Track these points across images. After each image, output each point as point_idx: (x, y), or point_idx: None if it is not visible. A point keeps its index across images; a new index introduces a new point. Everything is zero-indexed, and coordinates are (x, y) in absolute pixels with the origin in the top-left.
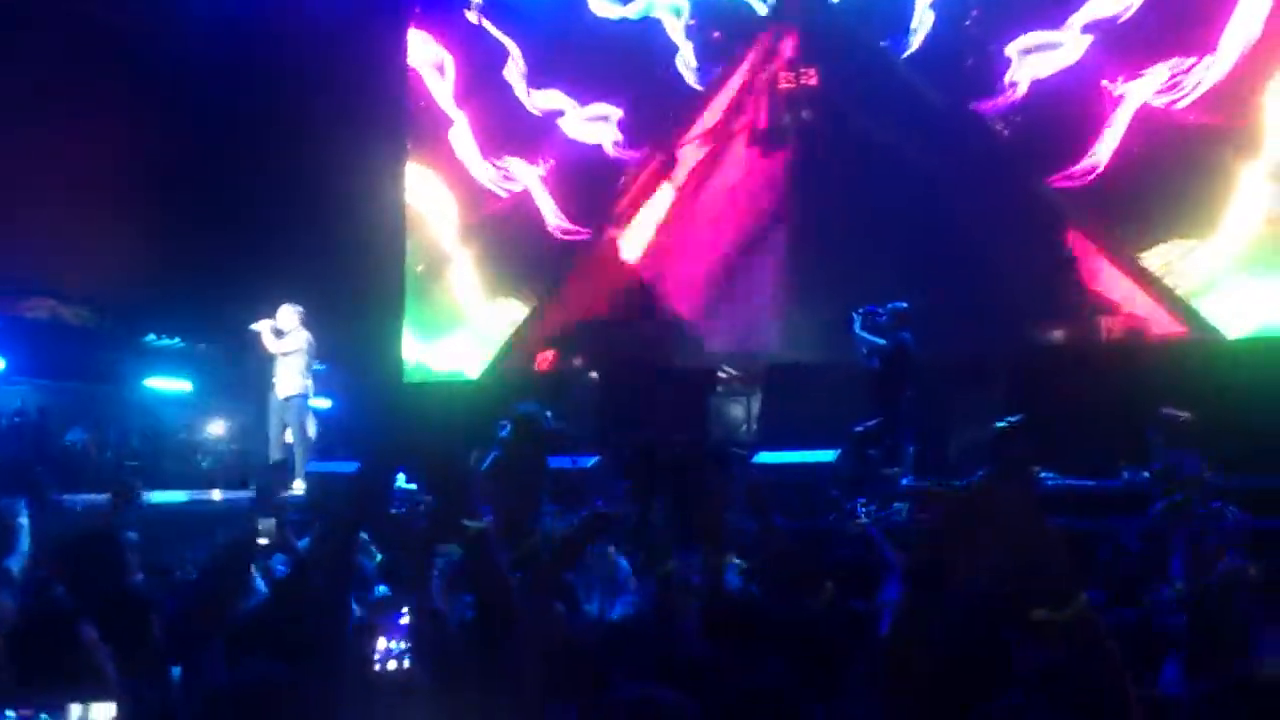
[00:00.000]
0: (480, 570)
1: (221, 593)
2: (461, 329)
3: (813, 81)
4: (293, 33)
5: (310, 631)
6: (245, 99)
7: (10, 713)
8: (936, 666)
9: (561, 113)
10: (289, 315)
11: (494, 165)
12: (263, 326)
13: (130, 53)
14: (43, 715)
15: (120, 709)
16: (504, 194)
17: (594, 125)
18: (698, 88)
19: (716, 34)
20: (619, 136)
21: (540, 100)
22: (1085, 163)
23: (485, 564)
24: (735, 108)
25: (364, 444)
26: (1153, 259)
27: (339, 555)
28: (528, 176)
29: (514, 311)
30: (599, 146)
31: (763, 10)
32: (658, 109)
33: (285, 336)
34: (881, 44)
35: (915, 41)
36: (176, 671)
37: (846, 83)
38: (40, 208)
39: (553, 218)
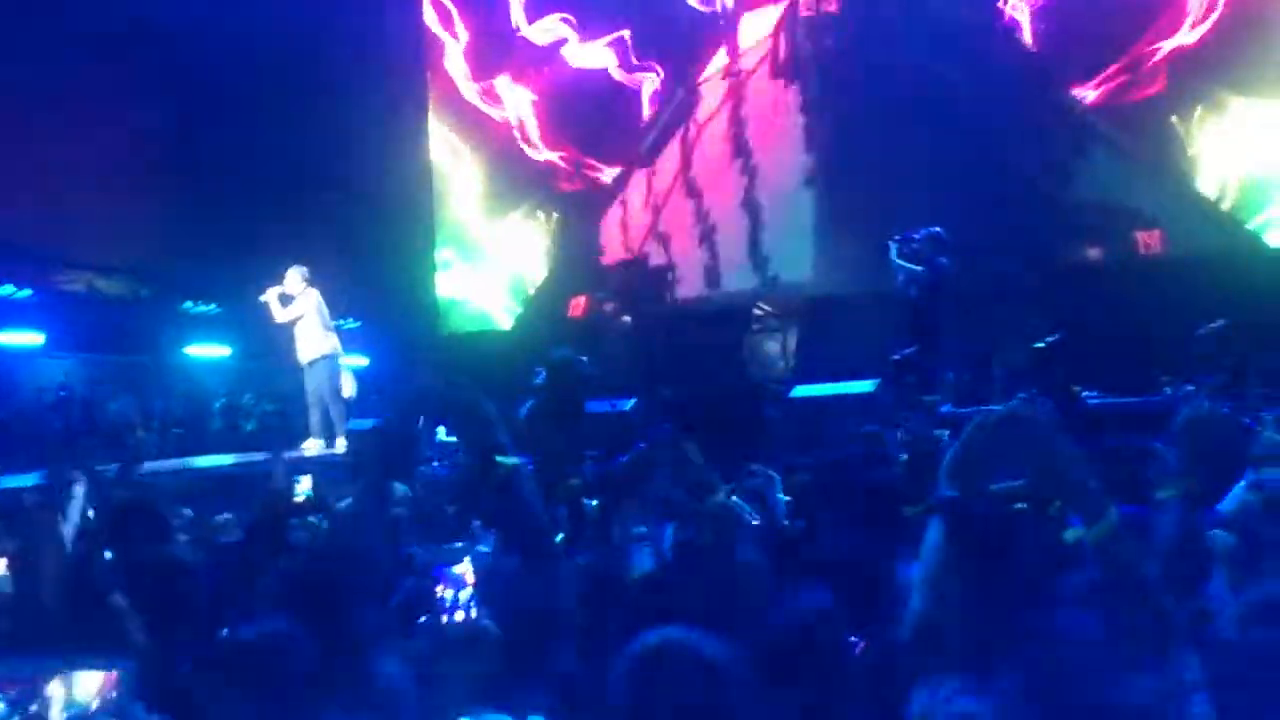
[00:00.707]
0: (512, 509)
1: (260, 554)
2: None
3: (833, 8)
4: None
5: (344, 586)
6: (266, 62)
7: None
8: (974, 591)
9: (564, 41)
10: (295, 278)
11: (485, 92)
12: (270, 297)
13: (155, 25)
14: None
15: (124, 675)
16: (500, 119)
17: (598, 50)
18: (701, 8)
19: None
20: (619, 59)
21: (539, 30)
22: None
23: (517, 502)
24: (756, 38)
25: (391, 397)
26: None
27: (370, 509)
28: (519, 101)
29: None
30: (604, 71)
31: None
32: (660, 31)
33: (293, 301)
34: None
35: None
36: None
37: (867, 6)
38: (72, 180)
39: (540, 143)
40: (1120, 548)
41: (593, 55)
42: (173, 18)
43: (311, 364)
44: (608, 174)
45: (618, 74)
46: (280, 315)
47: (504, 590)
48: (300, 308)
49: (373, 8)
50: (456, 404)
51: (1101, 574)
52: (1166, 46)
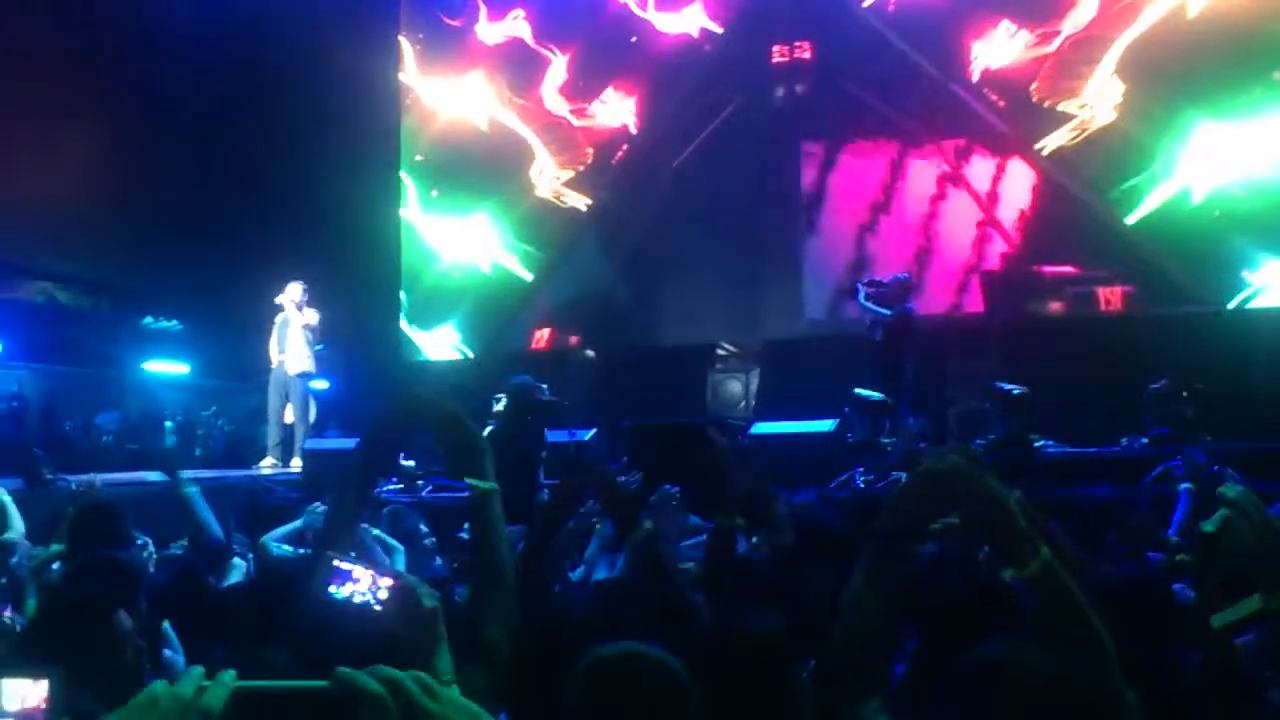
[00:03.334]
0: (480, 531)
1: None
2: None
3: (807, 55)
4: (282, 14)
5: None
6: (238, 79)
7: None
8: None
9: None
10: (298, 291)
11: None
12: (285, 300)
13: (125, 36)
14: None
15: (53, 685)
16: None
17: (505, 24)
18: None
19: None
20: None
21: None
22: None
23: (486, 526)
24: (727, 82)
25: (364, 415)
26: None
27: (341, 532)
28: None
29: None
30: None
31: None
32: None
33: (303, 310)
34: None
35: None
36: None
37: (841, 55)
38: (36, 190)
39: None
40: (1057, 581)
41: (501, 28)
42: (148, 31)
43: (296, 377)
44: (581, 204)
45: (532, 41)
46: (296, 318)
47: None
48: (313, 318)
49: (350, 26)
50: (447, 417)
51: (1039, 606)
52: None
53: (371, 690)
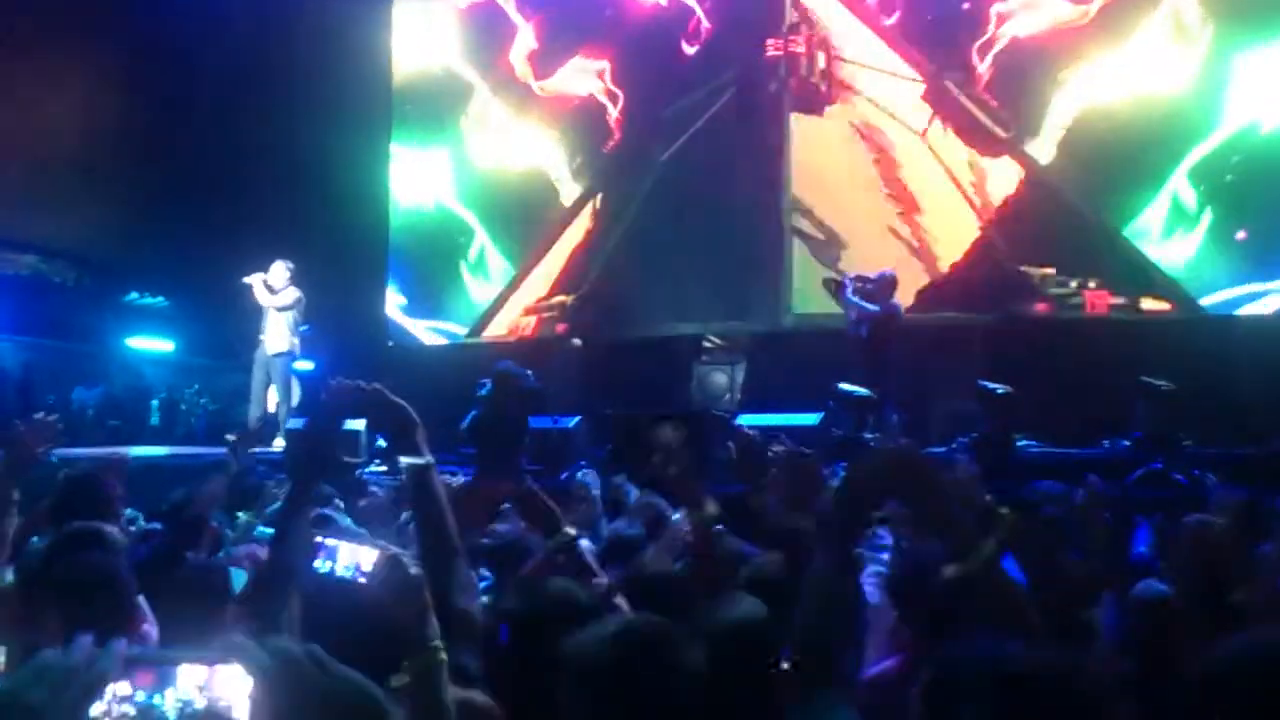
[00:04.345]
0: (420, 508)
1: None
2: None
3: (800, 48)
4: None
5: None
6: (226, 54)
7: None
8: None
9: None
10: (280, 271)
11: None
12: (254, 280)
13: (110, 14)
14: None
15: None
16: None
17: None
18: None
19: None
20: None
21: None
22: None
23: (424, 500)
24: (720, 73)
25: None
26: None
27: (294, 512)
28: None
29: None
30: None
31: None
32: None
33: (278, 292)
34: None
35: None
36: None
37: (834, 47)
38: (21, 162)
39: None
40: (991, 576)
41: None
42: (134, 9)
43: (276, 356)
44: (568, 193)
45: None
46: (265, 300)
47: None
48: (286, 299)
49: (343, 12)
50: (374, 403)
51: (981, 603)
52: None
53: (257, 659)
